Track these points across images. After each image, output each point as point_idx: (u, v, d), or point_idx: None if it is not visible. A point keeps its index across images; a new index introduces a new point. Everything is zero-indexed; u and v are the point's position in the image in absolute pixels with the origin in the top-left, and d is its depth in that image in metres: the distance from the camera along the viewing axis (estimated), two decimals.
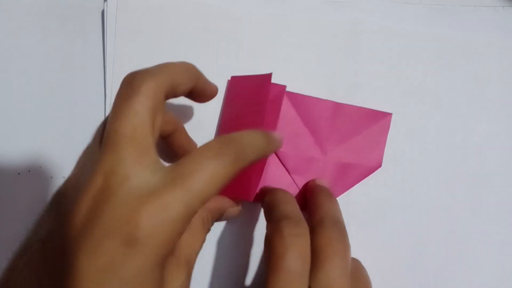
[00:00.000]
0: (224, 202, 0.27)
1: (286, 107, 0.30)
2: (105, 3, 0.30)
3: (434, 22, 0.32)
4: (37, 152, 0.30)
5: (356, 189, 0.31)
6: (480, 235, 0.31)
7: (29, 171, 0.30)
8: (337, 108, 0.30)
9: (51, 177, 0.29)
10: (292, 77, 0.31)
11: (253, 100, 0.28)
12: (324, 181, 0.30)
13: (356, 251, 0.30)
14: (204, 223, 0.24)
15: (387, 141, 0.31)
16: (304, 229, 0.23)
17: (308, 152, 0.30)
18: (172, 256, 0.21)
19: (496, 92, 0.31)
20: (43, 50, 0.30)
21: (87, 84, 0.30)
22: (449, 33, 0.31)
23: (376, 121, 0.31)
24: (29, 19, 0.30)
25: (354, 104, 0.30)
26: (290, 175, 0.30)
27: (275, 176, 0.30)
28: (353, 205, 0.31)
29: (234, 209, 0.28)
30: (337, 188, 0.31)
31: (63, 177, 0.30)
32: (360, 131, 0.30)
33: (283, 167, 0.30)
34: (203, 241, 0.24)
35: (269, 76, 0.27)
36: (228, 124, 0.30)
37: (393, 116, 0.31)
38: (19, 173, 0.29)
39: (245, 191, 0.27)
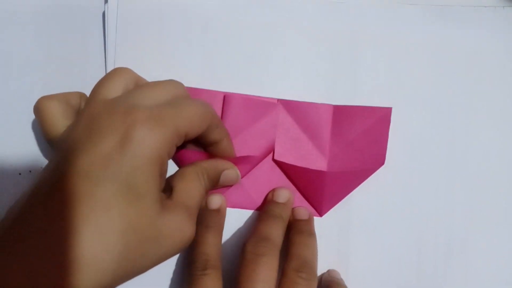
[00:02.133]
0: (219, 162, 0.28)
1: (282, 115, 0.30)
2: (106, 4, 0.30)
3: (434, 22, 0.32)
4: (38, 153, 0.30)
5: (356, 190, 0.30)
6: (480, 236, 0.30)
7: (30, 171, 0.30)
8: (335, 110, 0.30)
9: None
10: (292, 80, 0.31)
11: (259, 128, 0.30)
12: (303, 212, 0.30)
13: (356, 253, 0.30)
14: (199, 176, 0.25)
15: (389, 142, 0.31)
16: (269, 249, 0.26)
17: (309, 159, 0.30)
18: (169, 199, 0.23)
19: (497, 92, 0.31)
20: (43, 51, 0.31)
21: (87, 85, 0.30)
22: (449, 33, 0.31)
23: (375, 117, 0.30)
24: (29, 19, 0.31)
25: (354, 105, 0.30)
26: (292, 185, 0.31)
27: (277, 185, 0.31)
28: (353, 207, 0.30)
29: (230, 171, 0.28)
30: (339, 194, 0.30)
31: None
32: (360, 131, 0.30)
33: (285, 177, 0.31)
34: (201, 192, 0.25)
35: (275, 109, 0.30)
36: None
37: (393, 116, 0.31)
38: (20, 174, 0.30)
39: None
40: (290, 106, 0.30)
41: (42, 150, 0.30)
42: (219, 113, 0.30)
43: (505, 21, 0.31)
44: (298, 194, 0.31)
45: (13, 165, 0.30)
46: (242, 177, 0.30)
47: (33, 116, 0.30)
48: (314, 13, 0.31)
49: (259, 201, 0.30)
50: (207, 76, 0.31)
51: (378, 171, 0.30)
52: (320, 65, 0.31)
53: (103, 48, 0.31)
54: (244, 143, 0.29)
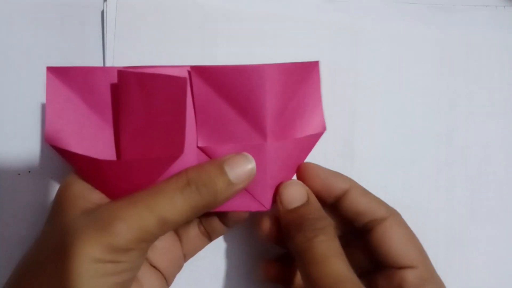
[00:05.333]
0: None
1: (199, 88, 0.23)
2: (105, 3, 0.30)
3: (434, 21, 0.31)
4: (37, 153, 0.30)
5: None
6: (480, 230, 0.31)
7: (29, 171, 0.30)
8: (258, 72, 0.23)
9: (51, 178, 0.29)
10: None
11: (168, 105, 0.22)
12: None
13: None
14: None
15: (387, 141, 0.31)
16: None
17: (245, 139, 0.24)
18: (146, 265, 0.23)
19: (497, 92, 0.31)
20: (43, 50, 0.30)
21: None
22: (449, 33, 0.31)
23: (304, 76, 0.25)
24: (29, 19, 0.30)
25: (353, 105, 0.30)
26: None
27: None
28: None
29: (234, 160, 0.24)
30: (288, 170, 0.26)
31: (63, 177, 0.29)
32: (292, 95, 0.25)
33: None
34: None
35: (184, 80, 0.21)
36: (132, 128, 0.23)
37: (393, 113, 0.31)
38: (19, 174, 0.29)
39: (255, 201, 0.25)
40: (207, 74, 0.23)
41: (42, 150, 0.30)
42: (113, 95, 0.24)
43: (505, 20, 0.31)
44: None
45: (12, 165, 0.29)
46: (158, 178, 0.23)
47: (33, 116, 0.30)
48: (315, 8, 0.31)
49: None
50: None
51: (377, 167, 0.31)
52: (320, 60, 0.31)
53: (101, 46, 0.31)
54: (148, 138, 0.23)
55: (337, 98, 0.30)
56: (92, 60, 0.30)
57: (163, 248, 0.26)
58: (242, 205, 0.25)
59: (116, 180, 0.23)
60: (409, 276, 0.23)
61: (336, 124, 0.30)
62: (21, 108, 0.30)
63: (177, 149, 0.23)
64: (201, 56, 0.30)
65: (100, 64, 0.30)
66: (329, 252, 0.22)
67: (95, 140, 0.24)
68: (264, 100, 0.23)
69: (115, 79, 0.23)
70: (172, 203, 0.21)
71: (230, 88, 0.23)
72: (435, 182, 0.31)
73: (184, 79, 0.21)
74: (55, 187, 0.29)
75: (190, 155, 0.24)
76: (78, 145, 0.23)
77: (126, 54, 0.30)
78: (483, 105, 0.31)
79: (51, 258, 0.20)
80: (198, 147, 0.24)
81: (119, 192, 0.23)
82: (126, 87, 0.22)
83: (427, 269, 0.24)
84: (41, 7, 0.30)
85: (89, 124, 0.24)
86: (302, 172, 0.26)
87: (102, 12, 0.30)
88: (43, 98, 0.30)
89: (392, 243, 0.24)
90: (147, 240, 0.21)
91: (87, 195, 0.23)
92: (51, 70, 0.24)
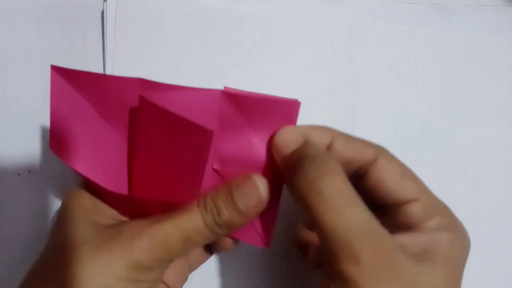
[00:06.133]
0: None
1: (227, 112, 0.22)
2: (105, 3, 0.30)
3: (434, 21, 0.31)
4: (37, 153, 0.30)
5: None
6: (480, 236, 0.30)
7: (29, 171, 0.30)
8: (293, 106, 0.22)
9: (51, 178, 0.29)
10: (292, 77, 0.31)
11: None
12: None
13: None
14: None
15: (387, 141, 0.31)
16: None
17: (265, 172, 0.23)
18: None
19: (497, 92, 0.31)
20: (43, 50, 0.30)
21: None
22: (449, 33, 0.31)
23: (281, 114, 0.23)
24: (29, 19, 0.30)
25: (353, 105, 0.30)
26: None
27: None
28: None
29: (247, 185, 0.22)
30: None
31: (63, 177, 0.30)
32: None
33: None
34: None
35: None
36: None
37: (393, 117, 0.31)
38: (19, 174, 0.29)
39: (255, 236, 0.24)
40: (236, 100, 0.22)
41: (42, 150, 0.30)
42: (127, 108, 0.22)
43: (505, 20, 0.31)
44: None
45: (12, 165, 0.29)
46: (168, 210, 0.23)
47: (33, 116, 0.30)
48: (315, 8, 0.31)
49: None
50: (207, 75, 0.30)
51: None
52: (320, 60, 0.31)
53: (102, 46, 0.31)
54: (165, 174, 0.21)
55: (337, 98, 0.30)
56: (92, 60, 0.30)
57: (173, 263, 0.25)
58: (244, 236, 0.24)
59: (124, 206, 0.23)
60: (414, 209, 0.22)
61: (336, 124, 0.30)
62: (21, 108, 0.30)
63: (192, 195, 0.22)
64: (201, 56, 0.30)
65: (100, 63, 0.30)
66: (341, 198, 0.19)
67: (104, 152, 0.22)
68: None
69: (131, 91, 0.21)
70: (196, 224, 0.21)
71: (260, 118, 0.22)
72: (435, 183, 0.31)
73: (211, 132, 0.19)
74: (55, 187, 0.29)
75: (205, 175, 0.22)
76: (85, 157, 0.22)
77: (126, 54, 0.30)
78: (483, 105, 0.31)
79: (59, 274, 0.19)
80: (213, 169, 0.23)
81: (128, 214, 0.22)
82: (147, 116, 0.20)
83: (430, 198, 0.23)
84: (41, 7, 0.30)
85: (98, 135, 0.22)
86: (280, 139, 0.22)
87: (102, 12, 0.30)
88: (43, 98, 0.30)
89: (388, 181, 0.22)
90: (170, 259, 0.21)
91: (103, 210, 0.22)
92: (57, 70, 0.22)
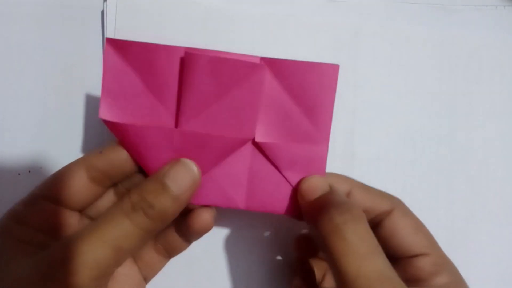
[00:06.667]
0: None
1: (268, 81, 0.23)
2: (105, 3, 0.30)
3: (434, 21, 0.31)
4: (37, 152, 0.30)
5: None
6: (480, 235, 0.31)
7: (29, 171, 0.30)
8: (333, 69, 0.23)
9: None
10: None
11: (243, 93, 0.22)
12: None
13: None
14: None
15: (388, 141, 0.31)
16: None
17: (306, 140, 0.23)
18: None
19: (497, 92, 0.31)
20: (43, 50, 0.30)
21: (87, 84, 0.30)
22: (449, 33, 0.31)
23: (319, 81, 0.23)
24: (29, 19, 0.30)
25: (353, 106, 0.30)
26: (280, 172, 0.24)
27: (261, 174, 0.24)
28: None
29: (176, 170, 0.22)
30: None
31: None
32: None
33: (269, 163, 0.24)
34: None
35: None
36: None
37: (393, 117, 0.31)
38: (19, 174, 0.29)
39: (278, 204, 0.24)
40: (277, 67, 0.22)
41: (42, 150, 0.30)
42: (175, 76, 0.23)
43: (505, 20, 0.31)
44: (286, 187, 0.24)
45: (12, 165, 0.29)
46: (210, 167, 0.23)
47: (33, 116, 0.30)
48: (315, 8, 0.31)
49: (236, 197, 0.24)
50: None
51: (377, 167, 0.31)
52: (320, 60, 0.31)
53: (101, 46, 0.31)
54: (213, 121, 0.22)
55: (337, 98, 0.30)
56: (92, 60, 0.30)
57: (122, 276, 0.24)
58: (218, 200, 0.24)
59: (171, 152, 0.22)
60: (424, 263, 0.23)
61: (335, 124, 0.30)
62: (21, 108, 0.30)
63: (249, 132, 0.23)
64: None
65: (100, 63, 0.30)
66: (365, 246, 0.19)
67: (151, 120, 0.23)
68: (332, 100, 0.23)
69: (176, 59, 0.23)
70: (123, 230, 0.20)
71: (299, 85, 0.23)
72: (435, 182, 0.31)
73: (263, 66, 0.22)
74: None
75: (245, 150, 0.23)
76: (133, 122, 0.23)
77: None
78: (483, 105, 0.31)
79: None
80: (253, 143, 0.23)
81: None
82: (194, 69, 0.22)
83: (440, 255, 0.24)
84: (41, 7, 0.30)
85: (145, 103, 0.23)
86: (306, 185, 0.23)
87: (102, 12, 0.30)
88: (43, 98, 0.30)
89: (402, 234, 0.23)
90: (107, 274, 0.21)
91: (31, 237, 0.22)
92: (111, 42, 0.23)
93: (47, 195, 0.23)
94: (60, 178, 0.23)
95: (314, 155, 0.23)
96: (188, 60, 0.22)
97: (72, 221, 0.23)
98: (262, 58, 0.22)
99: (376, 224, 0.24)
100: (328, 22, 0.31)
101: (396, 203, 0.24)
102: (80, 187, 0.23)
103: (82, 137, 0.30)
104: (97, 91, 0.30)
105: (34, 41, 0.30)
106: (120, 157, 0.23)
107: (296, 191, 0.24)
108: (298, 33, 0.31)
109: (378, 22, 0.31)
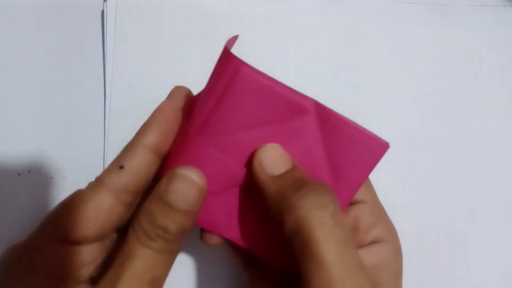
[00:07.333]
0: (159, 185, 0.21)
1: (311, 127, 0.21)
2: (105, 3, 0.30)
3: (434, 21, 0.31)
4: (37, 152, 0.30)
5: None
6: (480, 236, 0.31)
7: (29, 171, 0.30)
8: (381, 146, 0.21)
9: (51, 178, 0.29)
10: (291, 78, 0.31)
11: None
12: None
13: None
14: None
15: (390, 141, 0.31)
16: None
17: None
18: None
19: (497, 92, 0.31)
20: (43, 50, 0.30)
21: (87, 84, 0.30)
22: (449, 33, 0.31)
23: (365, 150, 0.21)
24: (29, 19, 0.30)
25: (353, 106, 0.30)
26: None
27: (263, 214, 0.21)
28: None
29: (178, 184, 0.20)
30: None
31: (63, 177, 0.30)
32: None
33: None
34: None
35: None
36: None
37: (393, 117, 0.31)
38: (19, 174, 0.29)
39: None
40: (326, 117, 0.20)
41: (42, 150, 0.30)
42: (221, 84, 0.20)
43: (505, 20, 0.31)
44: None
45: (12, 165, 0.29)
46: (215, 192, 0.21)
47: (33, 116, 0.30)
48: (315, 8, 0.31)
49: (233, 232, 0.22)
50: (207, 75, 0.30)
51: (377, 167, 0.30)
52: (320, 60, 0.31)
53: (101, 46, 0.31)
54: (235, 147, 0.20)
55: (338, 98, 0.30)
56: (92, 60, 0.30)
57: None
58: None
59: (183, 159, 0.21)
60: (363, 213, 0.23)
61: None
62: (21, 108, 0.30)
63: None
64: (201, 56, 0.30)
65: (100, 63, 0.30)
66: (343, 231, 0.18)
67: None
68: (366, 176, 0.21)
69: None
70: (150, 261, 0.19)
71: (341, 145, 0.21)
72: (435, 182, 0.31)
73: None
74: (55, 187, 0.29)
75: (250, 184, 0.21)
76: None
77: (126, 54, 0.30)
78: (483, 105, 0.31)
79: None
80: None
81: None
82: (240, 87, 0.19)
83: (377, 205, 0.24)
84: (41, 7, 0.30)
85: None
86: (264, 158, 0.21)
87: (102, 12, 0.30)
88: (43, 98, 0.30)
89: None
90: None
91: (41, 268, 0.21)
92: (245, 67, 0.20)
93: (68, 236, 0.21)
94: (78, 211, 0.21)
95: None
96: (238, 75, 0.19)
97: (87, 255, 0.21)
98: (315, 102, 0.20)
99: None
100: (328, 22, 0.31)
101: None
102: (108, 216, 0.21)
103: (82, 137, 0.30)
104: (96, 90, 0.30)
105: (34, 41, 0.30)
106: (144, 169, 0.21)
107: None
108: (298, 33, 0.31)
109: (378, 22, 0.31)
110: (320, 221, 0.18)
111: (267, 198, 0.20)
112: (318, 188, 0.19)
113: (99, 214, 0.20)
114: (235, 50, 0.22)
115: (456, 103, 0.31)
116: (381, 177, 0.31)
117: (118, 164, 0.21)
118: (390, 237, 0.23)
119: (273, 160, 0.20)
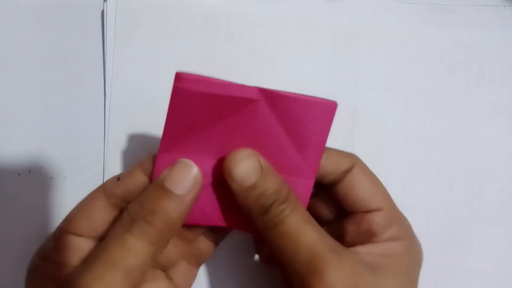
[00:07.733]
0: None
1: (263, 114, 0.22)
2: (105, 3, 0.30)
3: (434, 21, 0.31)
4: (37, 152, 0.30)
5: None
6: (480, 235, 0.31)
7: (29, 171, 0.30)
8: (331, 107, 0.23)
9: (51, 178, 0.29)
10: (292, 77, 0.31)
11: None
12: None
13: None
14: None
15: (388, 141, 0.31)
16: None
17: (294, 173, 0.23)
18: None
19: (497, 92, 0.31)
20: (43, 50, 0.30)
21: (87, 84, 0.30)
22: (449, 33, 0.31)
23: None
24: (29, 19, 0.30)
25: (354, 106, 0.30)
26: None
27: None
28: None
29: (175, 173, 0.21)
30: None
31: (63, 177, 0.30)
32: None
33: None
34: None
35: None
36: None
37: (393, 117, 0.31)
38: (19, 174, 0.29)
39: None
40: (274, 99, 0.21)
41: (42, 150, 0.30)
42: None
43: (505, 20, 0.31)
44: None
45: (12, 165, 0.29)
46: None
47: (33, 116, 0.30)
48: (315, 8, 0.31)
49: (215, 215, 0.23)
50: (207, 75, 0.30)
51: (377, 167, 0.30)
52: (320, 60, 0.31)
53: (101, 46, 0.31)
54: (202, 148, 0.22)
55: (338, 98, 0.30)
56: (92, 60, 0.30)
57: None
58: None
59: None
60: (377, 218, 0.23)
61: (336, 124, 0.30)
62: (21, 108, 0.30)
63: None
64: (201, 56, 0.30)
65: (100, 63, 0.30)
66: (298, 224, 0.20)
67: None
68: (325, 138, 0.23)
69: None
70: (127, 248, 0.19)
71: (294, 119, 0.22)
72: (435, 182, 0.31)
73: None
74: (55, 187, 0.29)
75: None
76: None
77: (126, 54, 0.30)
78: (483, 105, 0.31)
79: None
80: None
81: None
82: (183, 99, 0.20)
83: (393, 210, 0.24)
84: (41, 7, 0.30)
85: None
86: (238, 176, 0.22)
87: (102, 12, 0.30)
88: (43, 98, 0.30)
89: (360, 190, 0.24)
90: None
91: (57, 273, 0.21)
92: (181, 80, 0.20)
93: (70, 228, 0.22)
94: (81, 208, 0.22)
95: (299, 188, 0.23)
96: (173, 91, 0.20)
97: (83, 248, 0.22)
98: (259, 89, 0.21)
99: (335, 183, 0.24)
100: (328, 22, 0.31)
101: (355, 160, 0.24)
102: (101, 215, 0.22)
103: (82, 137, 0.30)
104: (96, 90, 0.30)
105: (34, 41, 0.30)
106: (137, 183, 0.22)
107: None
108: (298, 33, 0.31)
109: (378, 22, 0.31)
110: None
111: (238, 201, 0.22)
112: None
113: (97, 217, 0.22)
114: (237, 49, 0.22)
115: (456, 103, 0.31)
116: (381, 177, 0.31)
117: (117, 176, 0.23)
118: (405, 236, 0.24)
119: (242, 173, 0.21)
